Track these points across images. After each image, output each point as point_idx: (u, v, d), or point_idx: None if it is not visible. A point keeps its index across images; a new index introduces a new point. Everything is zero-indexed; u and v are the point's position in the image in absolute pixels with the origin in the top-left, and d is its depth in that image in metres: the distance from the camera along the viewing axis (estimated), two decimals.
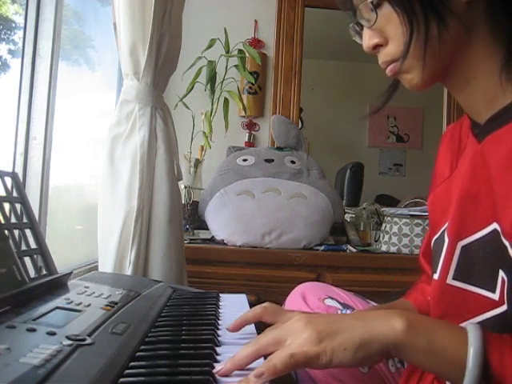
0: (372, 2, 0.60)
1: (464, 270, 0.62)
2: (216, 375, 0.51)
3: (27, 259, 0.72)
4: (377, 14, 0.60)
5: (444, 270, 0.65)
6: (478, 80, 0.61)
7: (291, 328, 0.53)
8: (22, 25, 1.19)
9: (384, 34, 0.62)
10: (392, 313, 0.53)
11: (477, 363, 0.47)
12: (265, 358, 0.52)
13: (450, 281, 0.63)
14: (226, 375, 0.51)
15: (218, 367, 0.52)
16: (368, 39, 0.63)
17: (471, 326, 0.50)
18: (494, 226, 0.56)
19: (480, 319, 0.58)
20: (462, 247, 0.62)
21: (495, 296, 0.57)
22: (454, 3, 0.58)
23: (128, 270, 1.15)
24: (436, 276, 0.67)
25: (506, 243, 0.54)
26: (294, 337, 0.52)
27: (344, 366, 0.51)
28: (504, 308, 0.55)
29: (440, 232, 0.69)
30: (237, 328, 0.67)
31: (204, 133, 1.96)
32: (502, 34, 0.59)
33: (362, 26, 0.64)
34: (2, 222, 0.68)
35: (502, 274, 0.55)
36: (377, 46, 0.63)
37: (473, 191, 0.61)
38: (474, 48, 0.60)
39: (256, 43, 2.25)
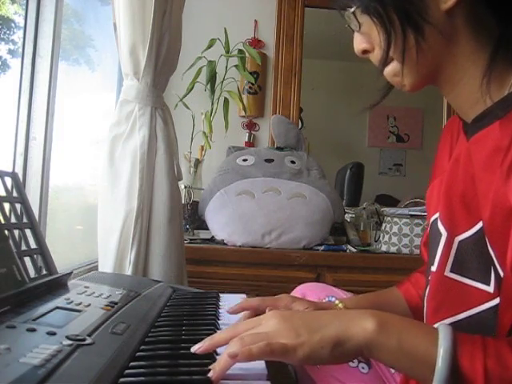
0: (353, 13, 0.62)
1: (461, 263, 0.63)
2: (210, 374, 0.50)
3: (27, 259, 0.72)
4: (359, 23, 0.62)
5: (442, 263, 0.66)
6: (463, 85, 0.63)
7: (270, 322, 0.54)
8: (22, 25, 1.19)
9: (371, 40, 0.64)
10: (364, 313, 0.53)
11: (446, 364, 0.47)
12: None
13: (447, 273, 0.65)
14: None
15: (195, 347, 0.54)
16: (358, 43, 0.66)
17: (442, 327, 0.50)
18: (481, 223, 0.58)
19: (476, 311, 0.60)
20: (459, 242, 0.63)
21: (490, 289, 0.58)
22: (432, 14, 0.58)
23: (128, 270, 1.15)
24: (434, 268, 0.68)
25: (486, 240, 0.57)
26: (271, 331, 0.52)
27: (319, 363, 0.52)
28: (498, 300, 0.57)
29: (431, 222, 0.71)
30: (235, 312, 0.76)
31: (204, 133, 1.96)
32: (485, 39, 0.60)
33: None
34: (2, 221, 0.68)
35: (493, 267, 0.57)
36: (365, 51, 0.65)
37: (461, 189, 0.63)
38: (458, 55, 0.61)
39: (256, 43, 2.25)
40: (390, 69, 0.64)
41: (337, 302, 0.83)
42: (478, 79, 0.60)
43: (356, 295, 0.91)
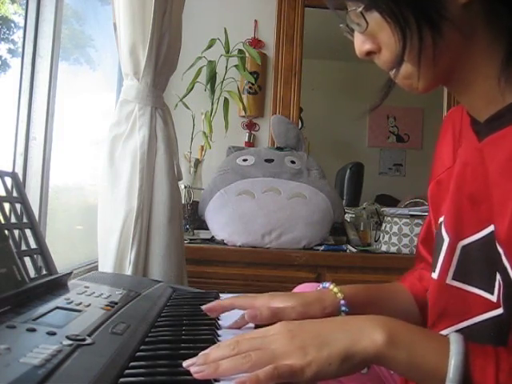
0: (361, 12, 0.56)
1: (464, 270, 0.61)
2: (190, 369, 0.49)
3: (27, 259, 0.72)
4: (367, 22, 0.56)
5: (444, 270, 0.64)
6: (477, 84, 0.59)
7: (275, 339, 0.51)
8: (22, 24, 1.19)
9: (377, 41, 0.58)
10: (374, 323, 0.51)
11: (457, 375, 0.46)
12: None
13: (449, 281, 0.63)
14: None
15: (188, 361, 0.50)
16: (360, 45, 0.60)
17: (454, 337, 0.49)
18: (491, 228, 0.56)
19: (478, 320, 0.58)
20: (463, 247, 0.61)
21: (493, 297, 0.56)
22: (449, 9, 0.54)
23: (128, 270, 1.15)
24: (435, 275, 0.66)
25: (500, 250, 0.54)
26: (278, 348, 0.50)
27: (327, 378, 0.50)
28: (501, 310, 0.55)
29: (438, 224, 0.69)
30: (210, 310, 0.72)
31: (204, 133, 1.96)
32: (501, 36, 0.57)
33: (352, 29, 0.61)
34: (2, 221, 0.68)
35: (498, 276, 0.55)
36: (370, 53, 0.60)
37: (471, 191, 0.61)
38: (473, 53, 0.58)
39: (256, 43, 2.25)
40: (402, 71, 0.58)
41: (331, 286, 0.76)
42: (493, 77, 0.57)
43: (356, 285, 0.87)
